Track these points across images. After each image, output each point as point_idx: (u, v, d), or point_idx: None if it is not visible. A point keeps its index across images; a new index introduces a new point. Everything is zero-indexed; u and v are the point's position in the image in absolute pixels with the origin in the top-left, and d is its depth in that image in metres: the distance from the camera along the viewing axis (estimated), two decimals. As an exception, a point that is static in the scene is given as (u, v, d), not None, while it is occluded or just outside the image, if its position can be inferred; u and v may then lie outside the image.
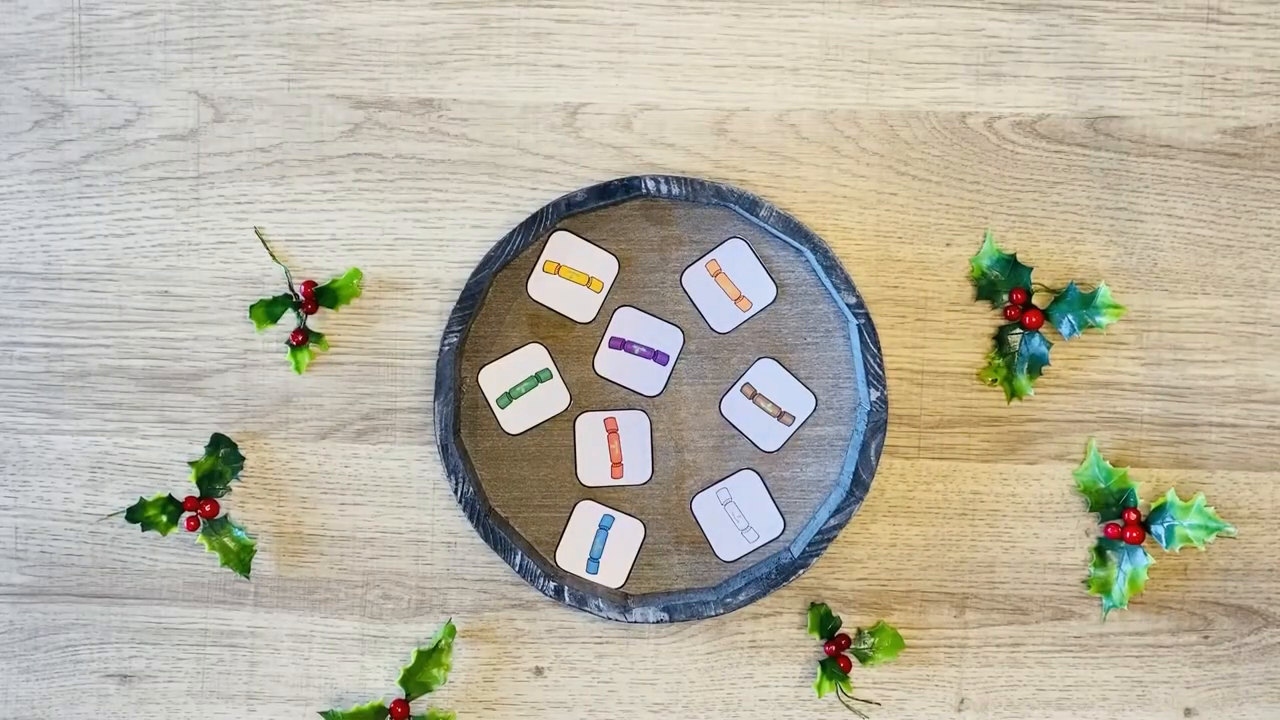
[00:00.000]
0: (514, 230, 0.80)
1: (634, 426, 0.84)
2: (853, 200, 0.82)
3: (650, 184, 0.80)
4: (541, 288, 0.83)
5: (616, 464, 0.84)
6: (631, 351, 0.83)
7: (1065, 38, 0.82)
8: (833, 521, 0.81)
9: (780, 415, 0.83)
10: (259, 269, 0.84)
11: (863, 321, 0.80)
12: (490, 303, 0.83)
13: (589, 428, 0.84)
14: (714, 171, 0.82)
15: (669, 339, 0.83)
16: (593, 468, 0.84)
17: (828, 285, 0.81)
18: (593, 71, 0.82)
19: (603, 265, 0.83)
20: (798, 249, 0.81)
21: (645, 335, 0.83)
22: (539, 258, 0.83)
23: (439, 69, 0.83)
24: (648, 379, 0.84)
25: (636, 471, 0.84)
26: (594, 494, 0.84)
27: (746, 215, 0.81)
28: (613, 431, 0.84)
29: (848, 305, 0.80)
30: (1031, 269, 0.81)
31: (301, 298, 0.83)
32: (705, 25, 0.82)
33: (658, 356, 0.83)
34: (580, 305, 0.83)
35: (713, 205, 0.82)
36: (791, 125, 0.82)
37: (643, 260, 0.83)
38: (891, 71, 0.82)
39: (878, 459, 0.81)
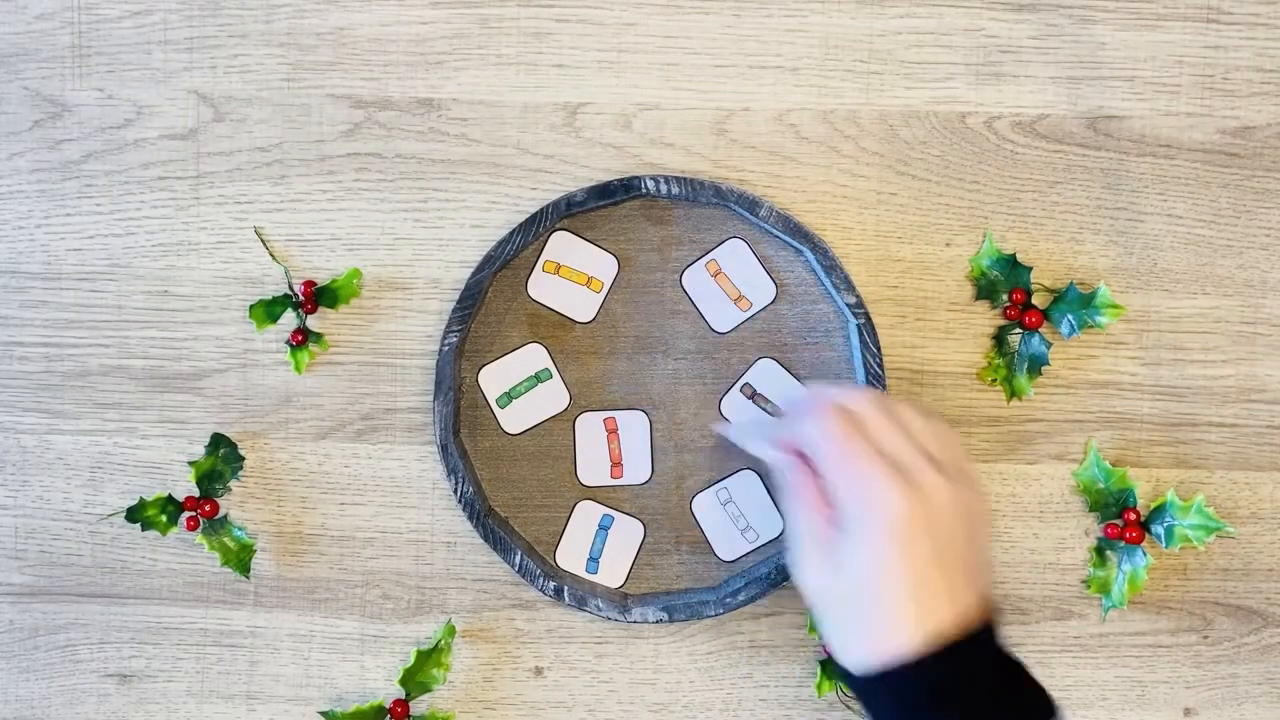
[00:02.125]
0: (514, 230, 0.80)
1: (634, 426, 0.84)
2: (853, 200, 0.82)
3: (650, 184, 0.80)
4: (541, 287, 0.83)
5: (616, 464, 0.84)
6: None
7: (1065, 38, 0.82)
8: (832, 522, 0.81)
9: (781, 415, 0.83)
10: (259, 269, 0.84)
11: (862, 321, 0.80)
12: (490, 302, 0.83)
13: (588, 427, 0.84)
14: (714, 171, 0.82)
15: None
16: (592, 468, 0.84)
17: (827, 285, 0.81)
18: (593, 71, 0.82)
19: (602, 265, 0.83)
20: (797, 249, 0.81)
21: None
22: (539, 257, 0.83)
23: (439, 69, 0.83)
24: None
25: (636, 471, 0.84)
26: (594, 494, 0.84)
27: (746, 215, 0.81)
28: (612, 431, 0.84)
29: (847, 305, 0.80)
30: (1031, 269, 0.81)
31: (301, 298, 0.83)
32: (705, 25, 0.82)
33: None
34: (580, 305, 0.83)
35: (712, 205, 0.82)
36: (791, 125, 0.82)
37: (642, 260, 0.83)
38: (891, 71, 0.82)
39: (877, 459, 0.81)
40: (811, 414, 0.69)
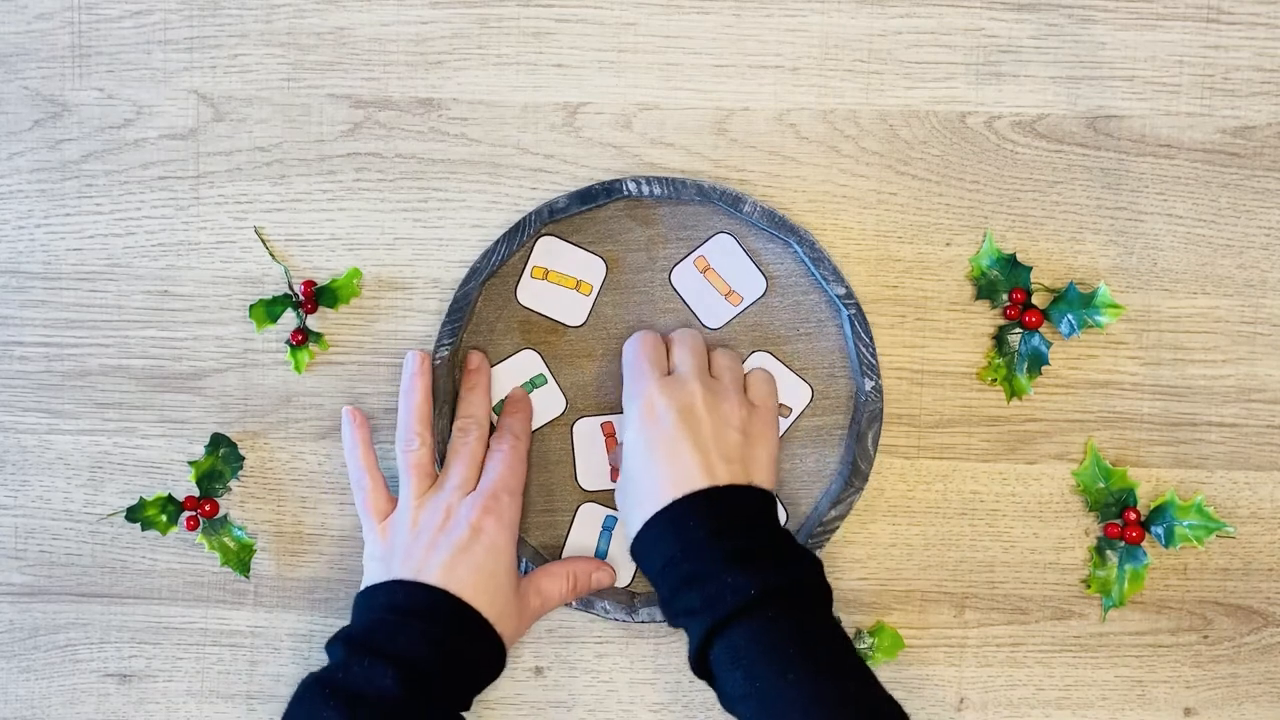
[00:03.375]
0: (498, 240, 0.80)
1: None
2: (852, 200, 0.82)
3: (631, 185, 0.80)
4: (531, 294, 0.83)
5: (615, 468, 0.84)
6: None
7: (1065, 37, 0.82)
8: (833, 514, 0.81)
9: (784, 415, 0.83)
10: (259, 269, 0.84)
11: (853, 312, 0.80)
12: (480, 312, 0.83)
13: (586, 433, 0.84)
14: (714, 171, 0.82)
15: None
16: (592, 473, 0.84)
17: (817, 277, 0.81)
18: (592, 71, 0.82)
19: (590, 268, 0.83)
20: (785, 242, 0.81)
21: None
22: (526, 264, 0.83)
23: (439, 69, 0.83)
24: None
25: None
26: (595, 496, 0.84)
27: (731, 211, 0.81)
28: (610, 435, 0.84)
29: (838, 296, 0.80)
30: (1031, 269, 0.81)
31: (301, 297, 0.83)
32: (705, 25, 0.82)
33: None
34: (570, 309, 0.83)
35: (697, 203, 0.82)
36: (791, 125, 0.82)
37: (630, 260, 0.83)
38: (891, 71, 0.82)
39: (875, 448, 0.80)
40: (632, 338, 0.80)
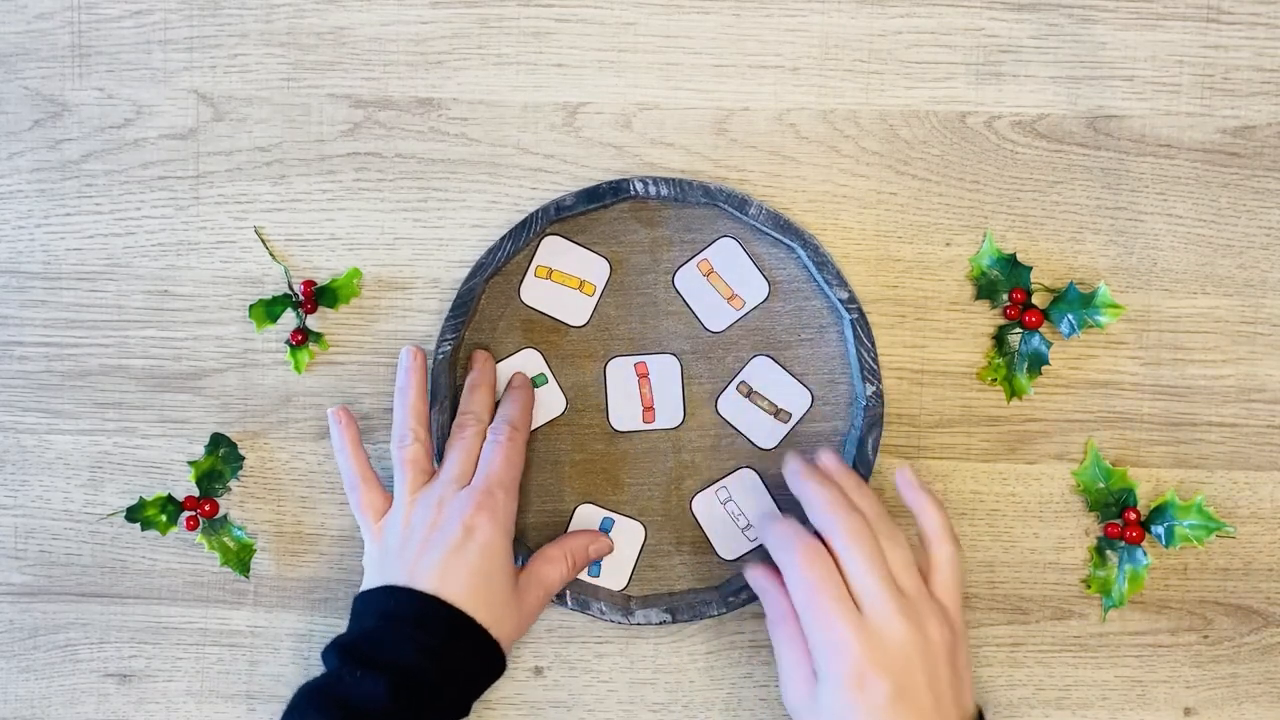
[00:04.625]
0: (503, 237, 0.80)
1: (665, 371, 0.83)
2: (852, 200, 0.82)
3: (638, 185, 0.80)
4: (534, 293, 0.83)
5: (648, 408, 0.83)
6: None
7: (1065, 37, 0.82)
8: (831, 519, 0.81)
9: (777, 413, 0.83)
10: (259, 269, 0.84)
11: (855, 317, 0.80)
12: (483, 309, 0.83)
13: (619, 372, 0.83)
14: (714, 171, 0.82)
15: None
16: (624, 413, 0.84)
17: (820, 281, 0.81)
18: (592, 71, 0.82)
19: (594, 268, 0.83)
20: (789, 246, 0.81)
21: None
22: (530, 263, 0.83)
23: (439, 68, 0.83)
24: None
25: (668, 415, 0.83)
26: (593, 497, 0.84)
27: (736, 214, 0.81)
28: (643, 376, 0.83)
29: (840, 301, 0.80)
30: (1031, 269, 0.81)
31: (301, 297, 0.83)
32: (705, 25, 0.82)
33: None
34: (573, 309, 0.83)
35: (702, 205, 0.82)
36: (791, 125, 0.82)
37: (634, 262, 0.83)
38: (891, 71, 0.82)
39: (875, 454, 0.80)
40: (789, 547, 0.72)
